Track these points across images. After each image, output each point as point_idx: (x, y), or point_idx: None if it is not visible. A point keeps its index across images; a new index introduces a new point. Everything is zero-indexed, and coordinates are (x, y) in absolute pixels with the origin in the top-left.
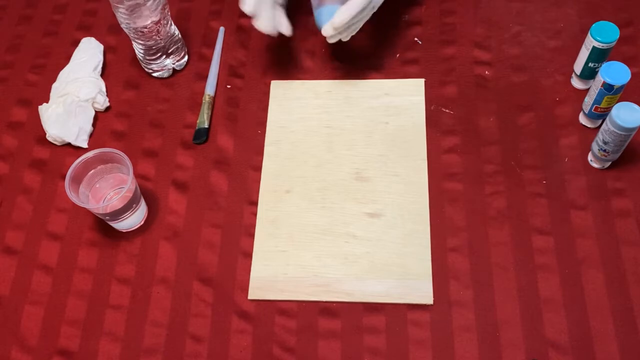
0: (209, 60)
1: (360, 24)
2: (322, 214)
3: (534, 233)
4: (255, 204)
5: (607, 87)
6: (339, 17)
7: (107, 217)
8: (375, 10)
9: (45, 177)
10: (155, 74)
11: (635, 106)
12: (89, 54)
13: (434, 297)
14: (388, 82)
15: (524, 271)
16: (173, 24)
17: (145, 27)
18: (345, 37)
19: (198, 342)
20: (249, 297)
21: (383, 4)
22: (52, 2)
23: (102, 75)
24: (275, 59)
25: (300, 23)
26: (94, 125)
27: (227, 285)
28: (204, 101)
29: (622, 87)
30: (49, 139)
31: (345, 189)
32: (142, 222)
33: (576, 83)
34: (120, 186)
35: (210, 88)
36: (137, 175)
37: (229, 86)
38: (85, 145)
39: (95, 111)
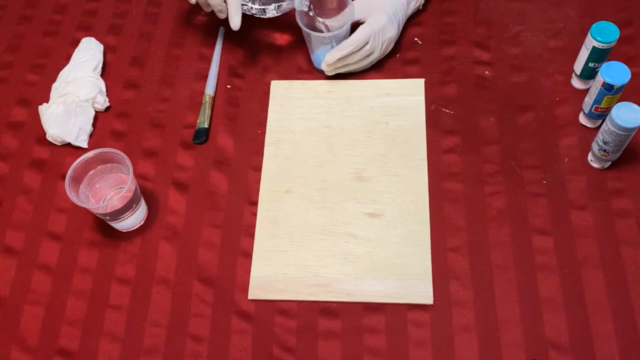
0: (209, 60)
1: (355, 67)
2: (322, 214)
3: (534, 233)
4: (255, 204)
5: (607, 87)
6: (330, 56)
7: (107, 217)
8: (373, 62)
9: (45, 177)
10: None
11: (635, 106)
12: (89, 54)
13: (434, 297)
14: (388, 82)
15: (524, 271)
16: None
17: None
18: (343, 70)
19: (198, 342)
20: (249, 297)
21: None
22: (52, 2)
23: (102, 75)
24: (275, 59)
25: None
26: (94, 125)
27: (227, 285)
28: (204, 101)
29: (622, 87)
30: (49, 139)
31: (345, 189)
32: (142, 222)
33: (576, 83)
34: (120, 186)
35: (210, 88)
36: (137, 175)
37: (229, 86)
38: (85, 145)
39: (95, 111)
